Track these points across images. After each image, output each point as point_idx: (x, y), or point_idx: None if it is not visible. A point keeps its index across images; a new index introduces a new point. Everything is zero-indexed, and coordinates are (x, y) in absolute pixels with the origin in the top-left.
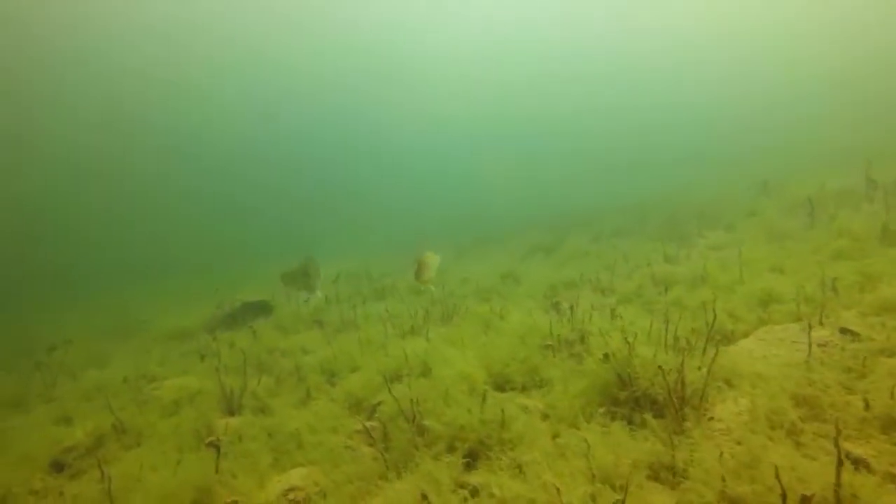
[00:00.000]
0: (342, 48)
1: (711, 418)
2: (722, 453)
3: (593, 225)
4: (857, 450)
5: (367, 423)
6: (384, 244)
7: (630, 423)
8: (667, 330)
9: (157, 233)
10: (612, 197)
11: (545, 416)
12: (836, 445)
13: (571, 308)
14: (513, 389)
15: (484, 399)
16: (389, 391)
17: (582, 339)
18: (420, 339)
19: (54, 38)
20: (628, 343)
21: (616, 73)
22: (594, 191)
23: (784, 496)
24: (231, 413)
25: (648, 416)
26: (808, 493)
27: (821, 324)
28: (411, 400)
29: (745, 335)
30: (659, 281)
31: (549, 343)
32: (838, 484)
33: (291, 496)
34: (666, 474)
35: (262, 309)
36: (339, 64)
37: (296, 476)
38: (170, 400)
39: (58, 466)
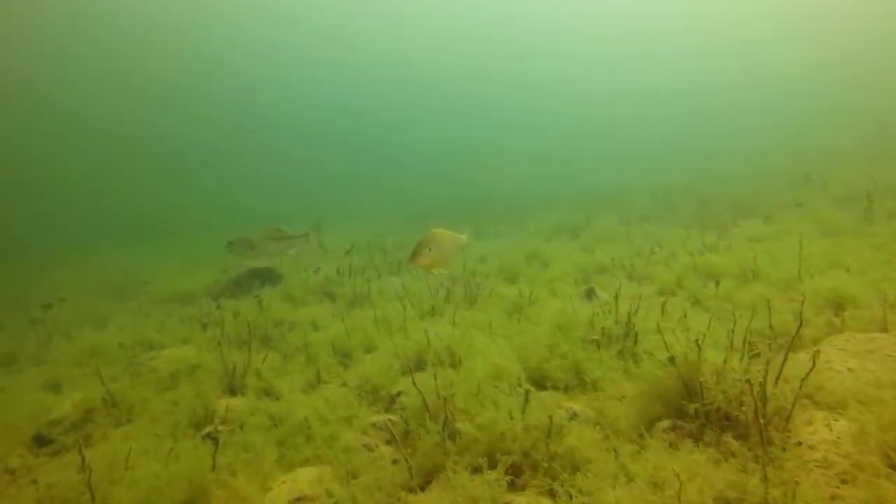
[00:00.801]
0: (379, 21)
1: (800, 444)
2: (833, 497)
3: (619, 208)
4: None
5: (387, 417)
6: (399, 216)
7: (700, 442)
8: (733, 331)
9: (165, 190)
10: (637, 182)
11: (596, 425)
12: None
13: (616, 297)
14: (554, 389)
15: (526, 400)
16: (413, 382)
17: (631, 336)
18: (442, 322)
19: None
20: (697, 345)
21: (640, 58)
22: (617, 175)
23: None
24: (233, 392)
25: (727, 437)
26: None
27: None
28: (438, 394)
29: (815, 341)
30: (702, 271)
31: (595, 338)
32: None
33: None
34: None
35: (269, 277)
36: (374, 37)
37: (304, 478)
38: (167, 372)
39: (40, 441)
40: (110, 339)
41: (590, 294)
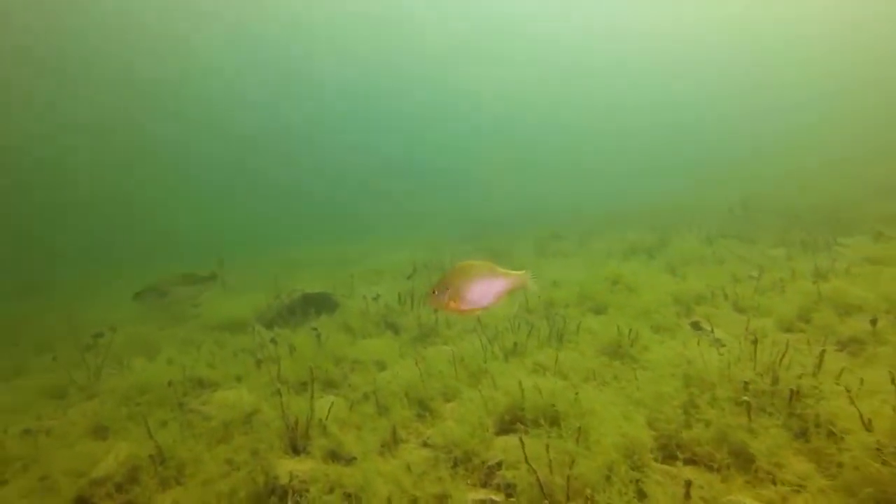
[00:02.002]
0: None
1: None
2: None
3: (692, 223)
4: None
5: (489, 497)
6: (453, 234)
7: None
8: None
9: (210, 213)
10: (699, 194)
11: None
12: None
13: (755, 341)
14: (707, 468)
15: (687, 495)
16: (525, 458)
17: (793, 396)
18: (529, 363)
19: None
20: None
21: (677, 65)
22: (672, 186)
23: None
24: (295, 450)
25: None
26: None
27: None
28: (551, 466)
29: None
30: (832, 303)
31: (746, 398)
32: None
33: None
34: None
35: (324, 304)
36: (415, 48)
37: None
38: (220, 421)
39: None
40: (159, 375)
41: (696, 328)
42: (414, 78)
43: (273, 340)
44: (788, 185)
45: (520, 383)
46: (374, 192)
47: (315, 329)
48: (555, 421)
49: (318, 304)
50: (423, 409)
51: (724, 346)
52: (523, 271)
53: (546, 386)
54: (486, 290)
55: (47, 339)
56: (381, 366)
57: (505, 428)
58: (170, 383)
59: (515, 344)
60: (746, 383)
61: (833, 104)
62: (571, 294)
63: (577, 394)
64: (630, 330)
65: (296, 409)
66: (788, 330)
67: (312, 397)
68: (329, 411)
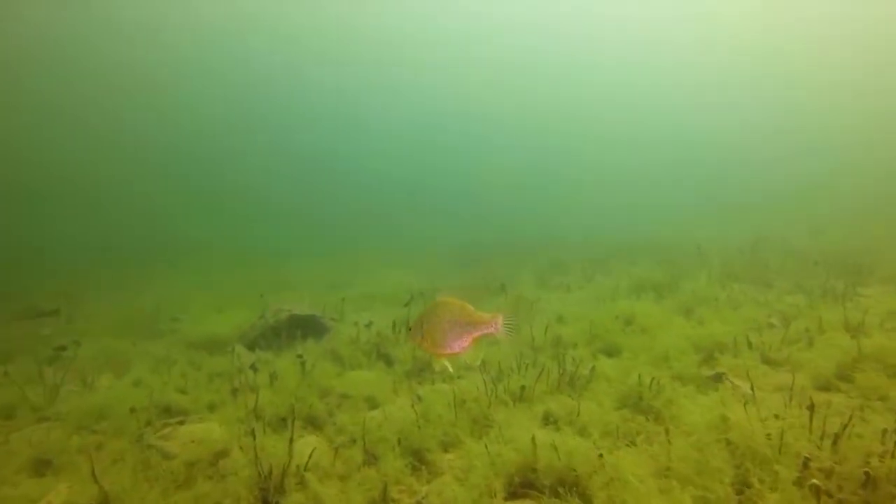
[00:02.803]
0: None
1: None
2: None
3: (700, 262)
4: None
5: None
6: (448, 260)
7: None
8: None
9: (200, 223)
10: (707, 232)
11: None
12: None
13: (811, 408)
14: None
15: None
16: None
17: (868, 483)
18: (541, 412)
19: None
20: None
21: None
22: (680, 222)
23: None
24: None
25: None
26: None
27: None
28: None
29: None
30: (871, 359)
31: (815, 482)
32: None
33: None
34: None
35: (313, 327)
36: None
37: None
38: (182, 461)
39: None
40: (123, 398)
41: (718, 380)
42: (413, 98)
43: (253, 367)
44: (799, 228)
45: (533, 438)
46: (371, 212)
47: (300, 356)
48: (575, 488)
49: (306, 327)
50: (419, 460)
51: (758, 404)
52: (495, 315)
53: (562, 443)
54: (456, 334)
55: (5, 350)
56: (372, 403)
57: (515, 492)
58: (132, 410)
59: (523, 388)
60: (807, 459)
61: (848, 153)
62: (580, 332)
63: (601, 455)
64: (652, 380)
65: (271, 452)
66: (826, 388)
67: (292, 439)
68: (310, 457)
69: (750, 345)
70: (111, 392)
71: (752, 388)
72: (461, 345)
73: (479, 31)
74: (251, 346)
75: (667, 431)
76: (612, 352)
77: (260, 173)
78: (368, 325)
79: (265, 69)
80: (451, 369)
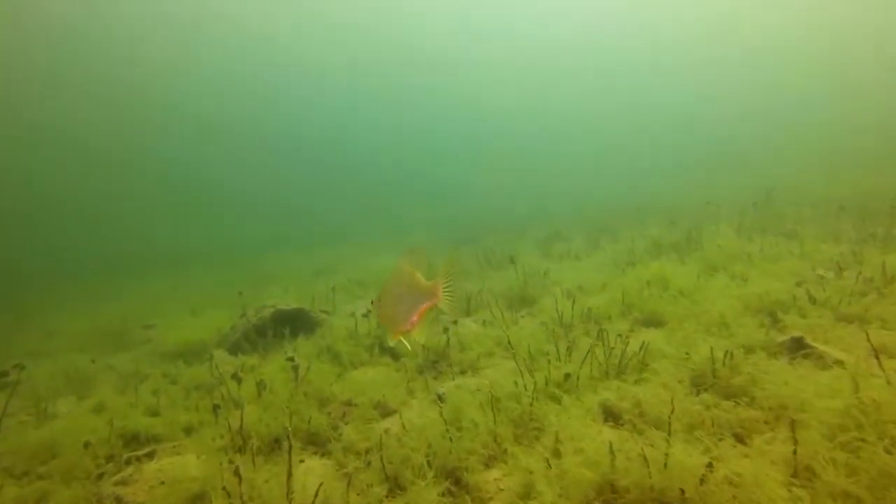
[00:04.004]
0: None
1: None
2: None
3: (715, 218)
4: None
5: None
6: (441, 240)
7: None
8: None
9: (174, 218)
10: (712, 190)
11: None
12: None
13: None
14: None
15: None
16: None
17: None
18: (597, 405)
19: (63, 25)
20: None
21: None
22: (681, 184)
23: None
24: None
25: None
26: None
27: None
28: None
29: None
30: None
31: None
32: None
33: None
34: None
35: (301, 322)
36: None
37: None
38: None
39: None
40: (80, 428)
41: (798, 347)
42: (406, 80)
43: (235, 376)
44: (813, 176)
45: (610, 446)
46: (350, 198)
47: (291, 358)
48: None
49: (294, 323)
50: (457, 483)
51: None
52: (435, 283)
53: (636, 448)
54: (407, 306)
55: None
56: (384, 409)
57: None
58: (86, 445)
59: (567, 375)
60: None
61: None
62: (609, 302)
63: (710, 465)
64: (726, 353)
65: (264, 490)
66: None
67: (290, 471)
68: (316, 495)
69: (813, 300)
70: (67, 421)
71: (800, 346)
72: (411, 320)
73: (470, 18)
74: (233, 350)
75: (792, 424)
76: (654, 322)
77: (229, 165)
78: (367, 315)
79: (243, 64)
80: (409, 347)
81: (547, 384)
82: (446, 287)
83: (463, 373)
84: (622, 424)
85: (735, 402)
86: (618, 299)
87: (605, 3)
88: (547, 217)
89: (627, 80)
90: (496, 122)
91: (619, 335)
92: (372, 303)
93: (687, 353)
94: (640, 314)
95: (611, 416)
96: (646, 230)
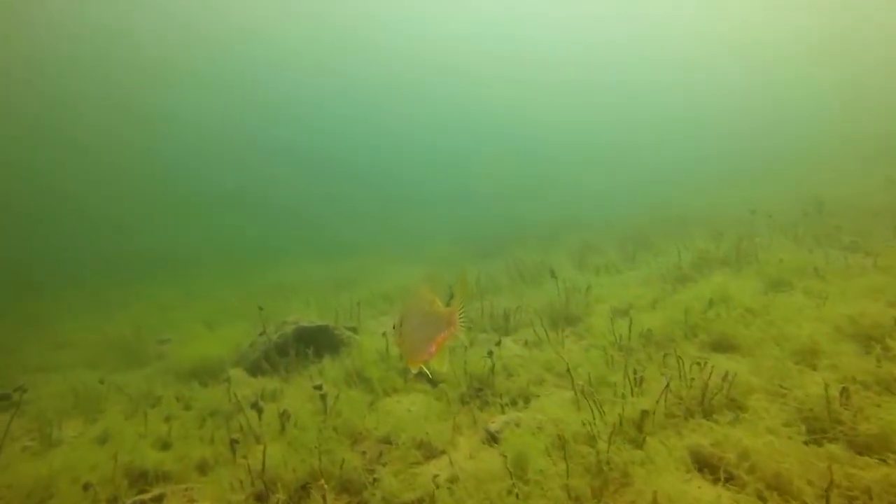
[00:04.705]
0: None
1: None
2: None
3: (766, 229)
4: None
5: None
6: (467, 248)
7: None
8: None
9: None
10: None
11: None
12: None
13: None
14: None
15: None
16: None
17: None
18: (687, 451)
19: (58, 33)
20: None
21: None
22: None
23: None
24: None
25: None
26: None
27: None
28: None
29: None
30: None
31: None
32: None
33: None
34: None
35: (325, 341)
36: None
37: None
38: None
39: None
40: (81, 463)
41: None
42: (416, 86)
43: (256, 406)
44: (865, 187)
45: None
46: (372, 204)
47: (319, 387)
48: None
49: (318, 341)
50: None
51: None
52: (451, 310)
53: None
54: (425, 335)
55: None
56: (428, 450)
57: None
58: (86, 487)
59: (643, 413)
60: None
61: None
62: (669, 322)
63: None
64: (842, 389)
65: None
66: None
67: None
68: None
69: None
70: (68, 452)
71: None
72: (429, 350)
73: (472, 26)
74: (252, 371)
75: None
76: (725, 347)
77: (244, 172)
78: (386, 335)
79: (249, 67)
80: (430, 375)
81: (621, 423)
82: (460, 314)
83: (513, 403)
84: (730, 480)
85: (878, 458)
86: (678, 319)
87: (632, 9)
88: (573, 226)
89: (649, 90)
90: (517, 130)
91: (697, 363)
92: (393, 327)
93: (782, 387)
94: (707, 337)
95: (706, 466)
96: (687, 241)
